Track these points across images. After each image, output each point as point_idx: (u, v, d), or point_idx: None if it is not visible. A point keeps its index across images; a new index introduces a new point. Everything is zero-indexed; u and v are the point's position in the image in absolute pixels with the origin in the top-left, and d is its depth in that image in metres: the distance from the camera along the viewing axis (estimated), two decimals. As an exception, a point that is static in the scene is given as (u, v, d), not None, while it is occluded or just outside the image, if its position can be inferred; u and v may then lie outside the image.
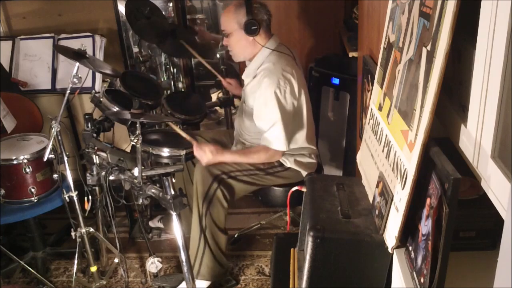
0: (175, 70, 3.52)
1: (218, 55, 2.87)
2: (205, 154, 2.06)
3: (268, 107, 2.10)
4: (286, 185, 2.33)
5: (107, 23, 3.08)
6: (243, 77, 2.33)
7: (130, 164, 1.87)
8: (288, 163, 2.27)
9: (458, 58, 1.06)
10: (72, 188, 2.10)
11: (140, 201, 1.90)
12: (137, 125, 1.72)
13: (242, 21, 2.13)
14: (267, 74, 2.12)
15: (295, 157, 2.28)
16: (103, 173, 1.91)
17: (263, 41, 2.20)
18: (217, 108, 3.24)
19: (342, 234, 1.31)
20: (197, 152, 2.05)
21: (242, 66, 2.35)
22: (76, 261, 2.18)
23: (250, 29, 2.12)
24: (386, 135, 1.32)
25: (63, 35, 2.79)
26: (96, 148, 1.99)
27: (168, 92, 3.25)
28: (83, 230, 2.13)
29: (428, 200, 1.05)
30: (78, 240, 2.13)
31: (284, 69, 2.12)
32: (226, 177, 2.16)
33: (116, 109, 2.06)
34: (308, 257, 1.33)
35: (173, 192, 1.86)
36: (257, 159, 2.20)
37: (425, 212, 1.06)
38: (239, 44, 2.20)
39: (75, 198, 2.10)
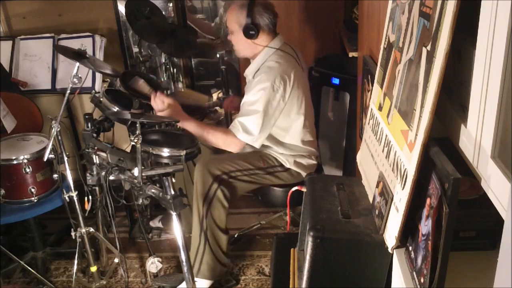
0: (175, 70, 3.51)
1: (218, 55, 2.87)
2: (162, 104, 2.06)
3: (255, 97, 2.10)
4: (286, 185, 2.34)
5: (107, 23, 3.08)
6: (244, 74, 2.34)
7: (130, 164, 1.86)
8: (288, 164, 2.27)
9: (458, 58, 1.06)
10: (72, 188, 2.10)
11: (140, 201, 1.90)
12: (137, 125, 1.72)
13: (243, 23, 2.14)
14: (267, 71, 2.12)
15: (295, 158, 2.28)
16: (103, 173, 1.90)
17: (265, 42, 2.20)
18: (217, 108, 3.24)
19: (342, 234, 1.31)
20: (154, 102, 2.07)
21: (242, 66, 2.35)
22: (76, 261, 2.18)
23: (248, 33, 2.14)
24: (386, 135, 1.32)
25: (63, 35, 2.78)
26: (96, 148, 1.98)
27: (168, 92, 3.25)
28: (83, 230, 2.12)
29: (428, 200, 1.04)
30: (78, 240, 2.13)
31: (285, 71, 2.13)
32: (226, 178, 2.15)
33: (116, 109, 2.06)
34: (308, 257, 1.33)
35: (173, 192, 1.85)
36: (212, 138, 2.13)
37: (425, 212, 1.06)
38: (240, 43, 2.23)
39: (75, 198, 2.10)
